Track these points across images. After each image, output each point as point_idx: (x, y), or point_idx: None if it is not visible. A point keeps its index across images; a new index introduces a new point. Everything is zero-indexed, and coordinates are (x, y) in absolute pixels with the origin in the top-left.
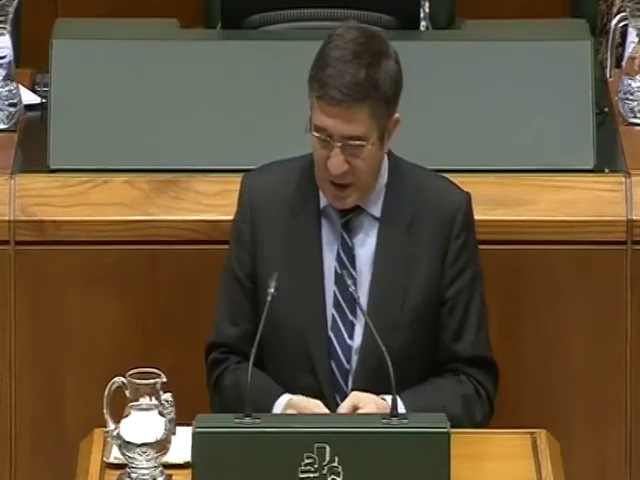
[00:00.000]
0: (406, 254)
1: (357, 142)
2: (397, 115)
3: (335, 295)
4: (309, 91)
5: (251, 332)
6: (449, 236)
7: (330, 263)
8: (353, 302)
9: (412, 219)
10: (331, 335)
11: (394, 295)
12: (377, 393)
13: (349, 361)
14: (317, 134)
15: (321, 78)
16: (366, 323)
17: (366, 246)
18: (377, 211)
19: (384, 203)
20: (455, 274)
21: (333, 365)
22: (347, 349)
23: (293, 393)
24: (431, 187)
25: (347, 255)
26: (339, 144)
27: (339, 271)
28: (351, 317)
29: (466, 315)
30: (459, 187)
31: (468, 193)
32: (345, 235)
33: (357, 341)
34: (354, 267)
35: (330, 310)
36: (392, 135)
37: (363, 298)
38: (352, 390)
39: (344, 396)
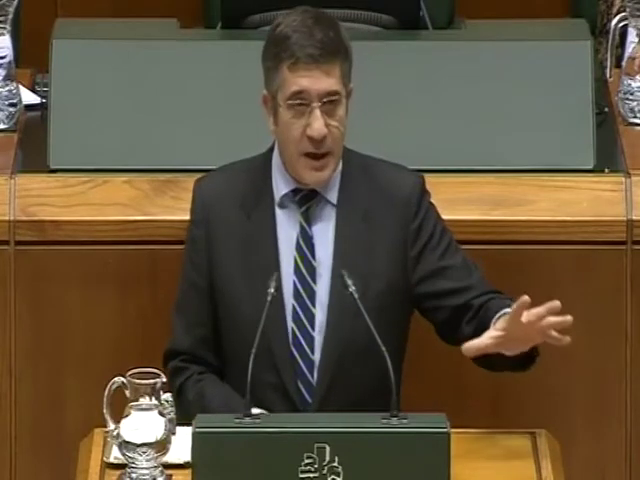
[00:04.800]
0: (364, 242)
1: (335, 97)
2: (351, 85)
3: (295, 285)
4: (271, 75)
5: (207, 337)
6: (406, 220)
7: (289, 254)
8: (312, 292)
9: (367, 207)
10: (294, 327)
11: (355, 283)
12: (341, 385)
13: (314, 352)
14: (293, 101)
15: (288, 48)
16: (328, 313)
17: (325, 235)
18: (334, 197)
19: (340, 191)
20: (424, 247)
21: (297, 357)
22: (310, 340)
23: (257, 390)
24: (382, 174)
25: (307, 244)
26: (319, 104)
27: (299, 260)
28: (311, 307)
29: (467, 268)
30: (410, 171)
31: (421, 176)
32: (304, 224)
33: (320, 333)
34: (314, 256)
35: (290, 301)
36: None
37: (324, 287)
38: (318, 382)
39: (309, 388)
